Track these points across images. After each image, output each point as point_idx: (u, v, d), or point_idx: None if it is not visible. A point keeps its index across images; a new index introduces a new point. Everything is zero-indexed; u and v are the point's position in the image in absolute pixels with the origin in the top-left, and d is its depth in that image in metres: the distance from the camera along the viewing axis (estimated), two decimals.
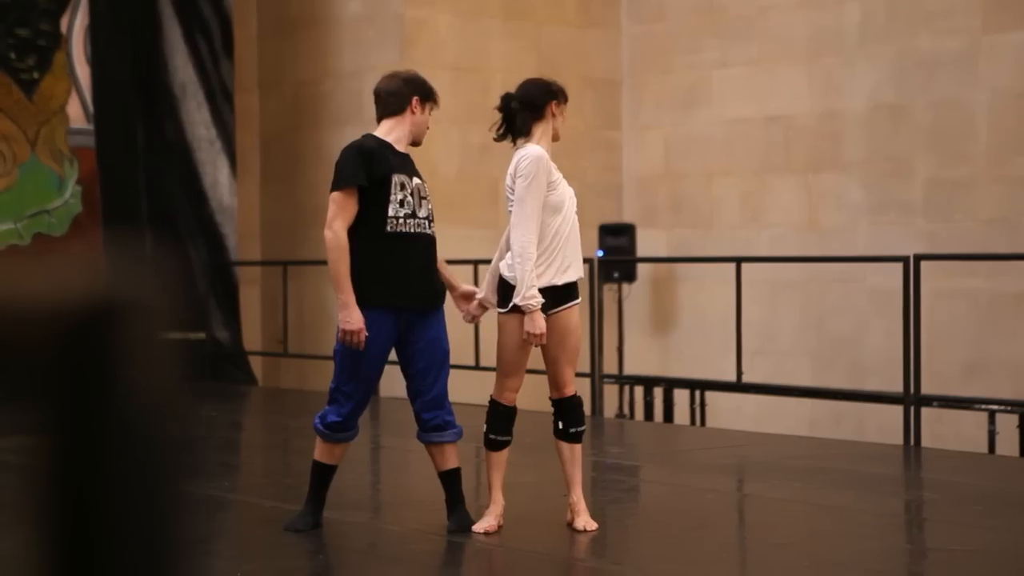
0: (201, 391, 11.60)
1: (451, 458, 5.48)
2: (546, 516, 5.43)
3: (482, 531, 5.31)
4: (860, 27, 11.50)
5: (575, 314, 5.41)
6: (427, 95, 5.65)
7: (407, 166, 5.48)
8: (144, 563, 0.83)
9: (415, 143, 5.61)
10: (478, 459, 7.47)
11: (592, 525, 5.38)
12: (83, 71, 12.50)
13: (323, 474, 5.55)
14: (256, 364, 13.03)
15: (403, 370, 5.53)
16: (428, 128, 5.64)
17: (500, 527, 5.34)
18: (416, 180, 5.47)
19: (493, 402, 5.45)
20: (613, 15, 13.27)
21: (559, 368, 5.43)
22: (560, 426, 5.44)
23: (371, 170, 5.32)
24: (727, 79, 12.42)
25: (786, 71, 12.00)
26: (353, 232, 5.30)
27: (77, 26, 12.55)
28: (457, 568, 5.24)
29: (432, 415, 5.45)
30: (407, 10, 12.17)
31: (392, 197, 5.33)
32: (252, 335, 13.13)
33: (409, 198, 5.38)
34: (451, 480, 5.49)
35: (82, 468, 0.82)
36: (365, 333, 5.21)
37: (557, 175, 5.34)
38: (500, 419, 5.40)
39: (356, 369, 5.36)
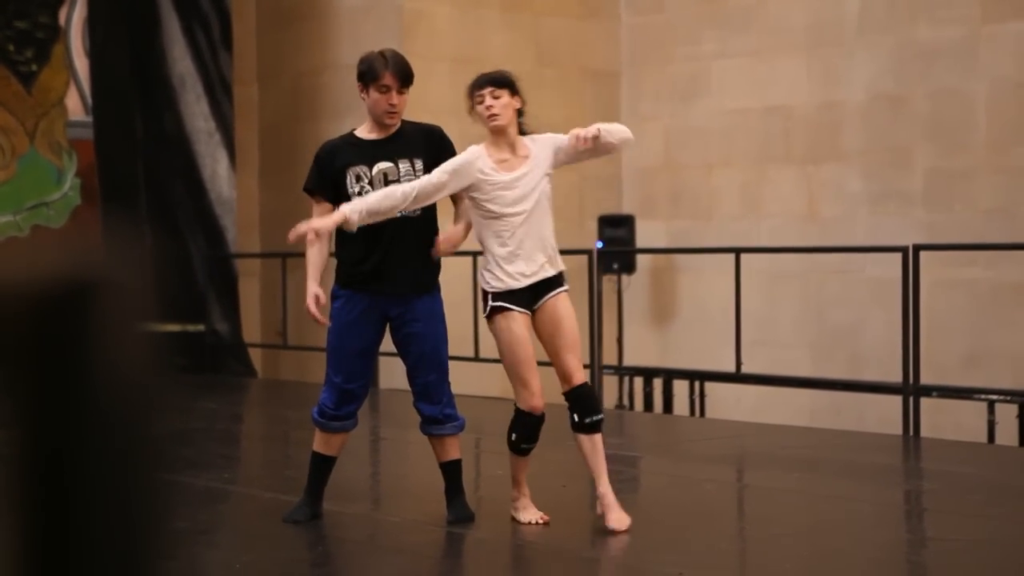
0: (200, 383, 11.60)
1: (452, 450, 5.47)
2: (545, 507, 5.43)
3: (541, 520, 5.31)
4: (859, 17, 11.48)
5: (562, 301, 5.32)
6: (364, 76, 5.36)
7: (373, 153, 5.35)
8: (122, 545, 0.82)
9: (382, 125, 5.41)
10: (478, 450, 7.48)
11: (624, 523, 5.21)
12: (82, 63, 12.49)
13: (321, 465, 5.55)
14: (255, 356, 13.03)
15: (401, 359, 5.54)
16: (391, 107, 5.34)
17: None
18: (383, 164, 5.33)
19: (521, 412, 5.29)
20: (612, 6, 13.25)
21: (561, 358, 5.34)
22: (575, 418, 5.28)
23: (324, 171, 5.37)
24: (726, 70, 12.41)
25: (785, 61, 11.99)
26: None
27: (75, 18, 12.54)
28: (456, 559, 5.24)
29: (428, 408, 5.42)
30: (405, 1, 12.16)
31: (350, 191, 5.30)
32: (251, 327, 13.13)
33: (368, 187, 5.31)
34: (451, 471, 5.49)
35: (56, 449, 0.82)
36: (312, 307, 5.23)
37: (497, 175, 5.22)
38: (530, 428, 5.29)
39: (338, 353, 5.37)
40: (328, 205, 5.33)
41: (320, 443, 5.53)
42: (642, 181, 13.15)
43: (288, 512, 5.54)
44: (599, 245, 12.04)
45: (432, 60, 12.27)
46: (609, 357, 11.36)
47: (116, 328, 0.81)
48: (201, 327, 12.57)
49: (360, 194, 5.27)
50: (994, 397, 8.80)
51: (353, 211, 5.08)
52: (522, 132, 5.38)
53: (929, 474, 7.00)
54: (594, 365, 9.79)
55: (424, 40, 12.24)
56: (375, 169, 5.32)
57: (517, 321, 5.26)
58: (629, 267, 12.53)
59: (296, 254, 12.77)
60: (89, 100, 12.43)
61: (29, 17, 12.28)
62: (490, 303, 5.27)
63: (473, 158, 5.21)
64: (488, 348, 11.09)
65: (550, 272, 5.29)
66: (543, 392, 5.32)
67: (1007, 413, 8.78)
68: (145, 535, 0.83)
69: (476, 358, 10.40)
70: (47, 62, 12.38)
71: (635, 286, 12.78)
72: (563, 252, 12.78)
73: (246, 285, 13.11)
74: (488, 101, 5.22)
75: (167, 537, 0.87)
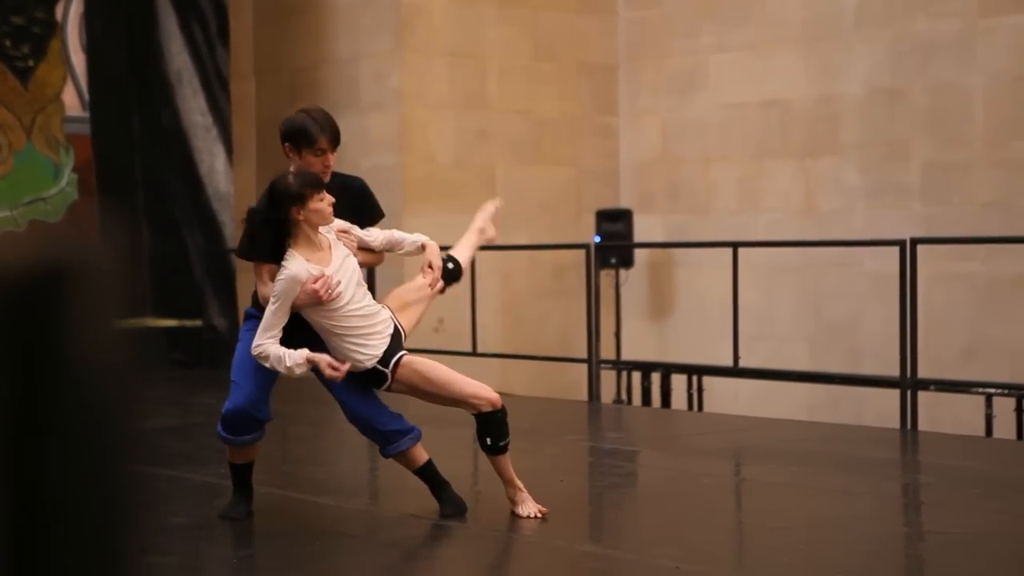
0: (197, 378, 11.59)
1: (419, 456, 5.42)
2: (541, 501, 5.43)
3: (539, 514, 5.31)
4: (857, 11, 11.48)
5: (411, 364, 5.25)
6: (297, 140, 5.35)
7: None
8: (100, 537, 0.82)
9: None
10: (475, 445, 7.47)
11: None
12: (78, 58, 12.48)
13: (241, 472, 5.54)
14: None
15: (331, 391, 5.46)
16: (326, 169, 5.31)
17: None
18: None
19: (486, 415, 5.28)
20: (609, 0, 13.24)
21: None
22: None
23: (265, 236, 5.23)
24: (724, 64, 12.40)
25: (783, 55, 11.99)
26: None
27: (72, 13, 12.53)
28: (454, 552, 5.24)
29: (374, 434, 5.34)
30: None
31: None
32: None
33: None
34: (428, 473, 5.45)
35: (32, 440, 0.81)
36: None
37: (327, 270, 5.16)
38: (500, 424, 5.29)
39: (242, 364, 5.37)
40: (272, 267, 5.20)
41: (232, 454, 5.50)
42: (640, 175, 13.15)
43: (223, 509, 5.53)
44: (597, 239, 12.04)
45: (430, 55, 12.26)
46: (607, 352, 11.36)
47: (93, 317, 0.81)
48: (199, 322, 12.57)
49: None
50: (992, 391, 8.80)
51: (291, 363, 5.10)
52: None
53: (927, 467, 7.00)
54: (591, 360, 9.79)
55: (421, 34, 12.23)
56: None
57: (415, 359, 5.26)
58: (627, 261, 12.53)
59: None
60: (86, 95, 12.42)
61: (25, 12, 12.26)
62: (385, 369, 5.21)
63: (296, 279, 5.09)
64: (486, 343, 11.11)
65: (390, 335, 5.26)
66: (489, 386, 5.34)
67: (1005, 407, 8.78)
68: (124, 527, 0.82)
69: (473, 352, 10.40)
70: (44, 57, 12.36)
71: (633, 280, 12.78)
72: (560, 247, 12.76)
73: (244, 280, 13.10)
74: (329, 202, 5.14)
75: (147, 529, 0.86)
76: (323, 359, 5.08)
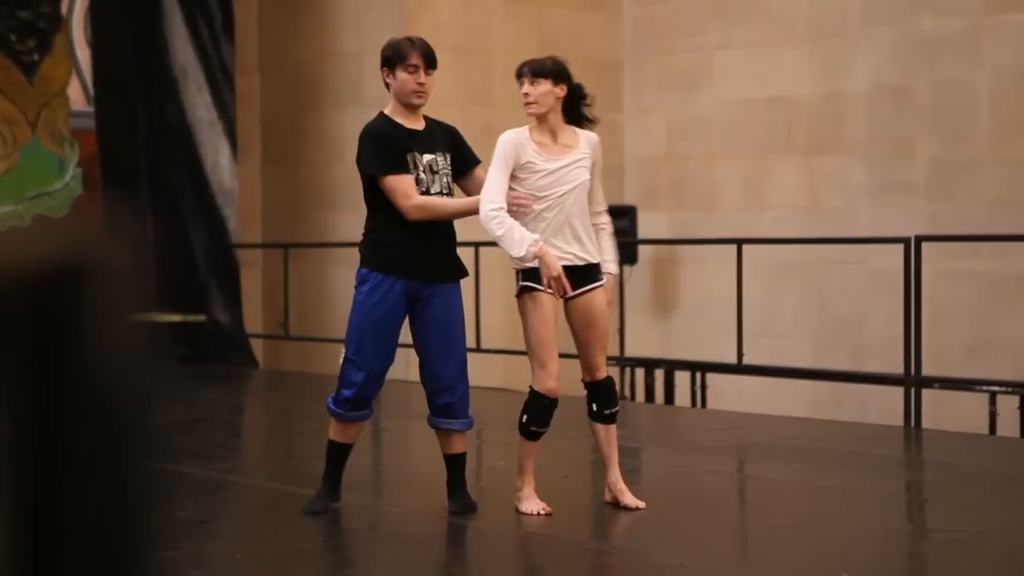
0: (201, 373, 11.60)
1: (458, 444, 5.45)
2: (546, 498, 5.43)
3: (543, 512, 5.31)
4: (862, 8, 11.46)
5: (599, 296, 5.39)
6: (390, 60, 5.45)
7: (420, 142, 5.39)
8: (116, 533, 0.82)
9: (413, 107, 5.45)
10: (479, 440, 7.47)
11: (640, 502, 5.46)
12: (83, 53, 12.49)
13: (340, 453, 5.52)
14: (257, 347, 13.03)
15: (416, 348, 5.50)
16: (419, 87, 5.42)
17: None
18: (428, 156, 5.38)
19: (536, 394, 5.34)
20: None
21: (589, 351, 5.41)
22: (595, 408, 5.45)
23: (392, 151, 5.32)
24: (729, 60, 12.39)
25: (788, 52, 11.97)
26: (387, 206, 5.31)
27: (77, 8, 12.54)
28: (458, 549, 5.24)
29: (442, 398, 5.39)
30: None
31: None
32: (253, 318, 13.13)
33: (423, 175, 5.34)
34: (455, 464, 5.47)
35: (48, 437, 0.81)
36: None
37: (538, 159, 5.32)
38: (543, 411, 5.35)
39: (366, 335, 5.31)
40: (411, 177, 5.30)
41: (336, 431, 5.48)
42: (644, 172, 13.14)
43: (307, 504, 5.49)
44: None
45: (435, 50, 12.25)
46: (611, 348, 11.34)
47: (109, 313, 0.81)
48: (202, 317, 12.57)
49: (417, 180, 5.30)
50: (996, 388, 8.80)
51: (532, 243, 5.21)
52: (578, 120, 5.43)
53: (930, 465, 7.00)
54: None
55: (427, 30, 12.18)
56: (424, 158, 5.37)
57: (543, 303, 5.29)
58: (631, 258, 12.53)
59: (298, 244, 12.79)
60: (91, 90, 12.43)
61: (31, 7, 12.27)
62: (520, 281, 5.31)
63: (516, 140, 5.30)
64: (490, 339, 11.10)
65: (578, 262, 5.32)
66: (559, 378, 5.35)
67: (1008, 404, 8.78)
68: (139, 523, 0.82)
69: (477, 349, 10.40)
70: (49, 52, 12.37)
71: (637, 277, 12.78)
72: None
73: (248, 275, 13.11)
74: (526, 88, 5.33)
75: (162, 525, 0.86)
76: (556, 263, 5.20)
